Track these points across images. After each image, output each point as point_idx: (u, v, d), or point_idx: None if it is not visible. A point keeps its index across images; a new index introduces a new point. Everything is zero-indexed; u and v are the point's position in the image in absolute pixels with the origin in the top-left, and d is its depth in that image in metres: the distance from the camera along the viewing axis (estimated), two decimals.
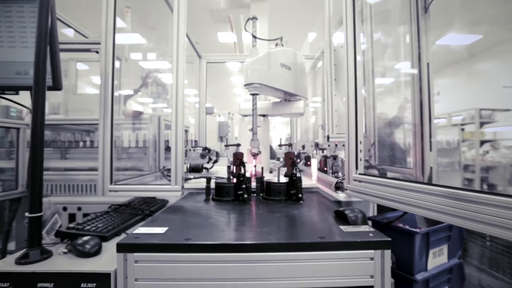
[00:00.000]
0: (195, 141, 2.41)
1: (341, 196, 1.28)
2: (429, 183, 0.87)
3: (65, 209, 1.79)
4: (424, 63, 1.24)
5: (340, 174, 2.06)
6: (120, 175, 1.97)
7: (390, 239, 0.82)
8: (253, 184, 1.53)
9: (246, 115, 2.32)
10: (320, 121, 3.04)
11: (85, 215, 1.75)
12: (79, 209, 1.79)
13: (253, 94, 1.71)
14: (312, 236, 0.85)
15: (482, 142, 5.26)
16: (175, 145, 1.28)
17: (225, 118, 5.49)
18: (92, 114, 2.49)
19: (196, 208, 1.25)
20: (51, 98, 3.13)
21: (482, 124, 5.24)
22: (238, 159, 1.38)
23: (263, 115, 2.26)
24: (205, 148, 2.19)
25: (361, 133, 1.22)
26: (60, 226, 1.12)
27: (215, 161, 2.56)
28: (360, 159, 1.24)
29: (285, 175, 1.40)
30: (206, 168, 2.46)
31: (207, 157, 2.18)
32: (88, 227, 1.07)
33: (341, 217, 1.04)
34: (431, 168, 1.25)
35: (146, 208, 1.43)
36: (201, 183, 1.76)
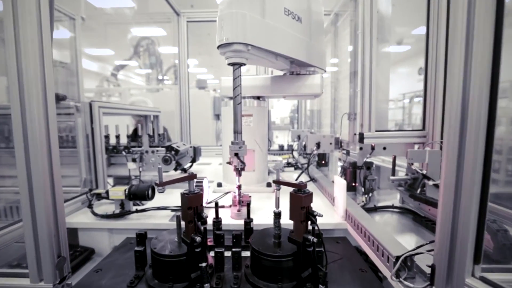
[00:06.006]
0: (160, 134, 1.66)
1: None
2: None
3: None
4: None
5: (376, 193, 1.33)
6: None
7: None
8: (235, 223, 0.83)
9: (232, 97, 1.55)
10: (341, 98, 2.23)
11: None
12: None
13: (233, 64, 0.99)
14: None
15: None
16: (24, 160, 0.59)
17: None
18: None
19: None
20: None
21: None
22: (190, 210, 0.65)
23: (258, 97, 1.49)
24: (170, 149, 1.46)
25: (490, 170, 0.48)
26: None
27: (193, 161, 1.85)
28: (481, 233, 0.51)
29: (290, 239, 0.68)
30: (183, 170, 1.75)
31: (174, 161, 1.45)
32: None
33: None
34: None
35: None
36: (152, 217, 1.06)
